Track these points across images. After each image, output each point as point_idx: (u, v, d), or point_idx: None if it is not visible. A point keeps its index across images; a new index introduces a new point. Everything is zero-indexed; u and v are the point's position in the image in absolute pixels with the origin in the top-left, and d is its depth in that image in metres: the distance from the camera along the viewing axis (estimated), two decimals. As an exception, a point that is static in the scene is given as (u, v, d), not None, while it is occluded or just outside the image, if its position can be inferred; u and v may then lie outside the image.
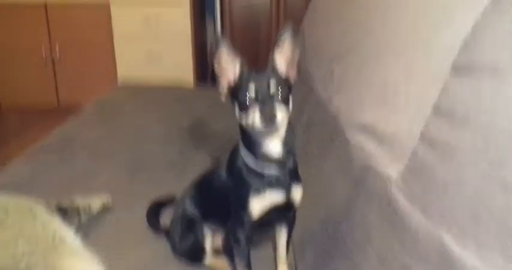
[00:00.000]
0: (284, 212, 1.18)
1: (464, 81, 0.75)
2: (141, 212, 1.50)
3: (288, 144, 1.08)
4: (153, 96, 2.87)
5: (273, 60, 1.06)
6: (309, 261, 1.20)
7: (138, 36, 4.27)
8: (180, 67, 4.27)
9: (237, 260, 1.19)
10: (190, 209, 1.31)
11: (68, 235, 1.21)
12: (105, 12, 4.20)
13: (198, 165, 1.71)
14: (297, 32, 1.05)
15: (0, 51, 4.34)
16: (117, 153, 2.03)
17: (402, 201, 0.82)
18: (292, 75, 1.07)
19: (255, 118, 0.98)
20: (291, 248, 1.30)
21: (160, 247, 1.38)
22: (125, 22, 4.24)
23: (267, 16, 4.35)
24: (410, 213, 0.79)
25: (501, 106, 0.67)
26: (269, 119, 0.96)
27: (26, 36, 4.31)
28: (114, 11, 4.21)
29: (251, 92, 1.00)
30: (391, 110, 0.98)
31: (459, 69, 0.78)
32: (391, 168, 0.90)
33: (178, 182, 1.58)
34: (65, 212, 1.40)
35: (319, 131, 1.47)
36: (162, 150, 2.06)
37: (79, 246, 1.20)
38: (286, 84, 1.03)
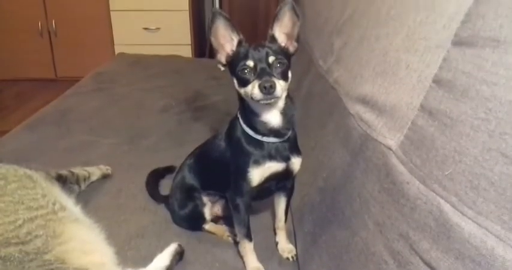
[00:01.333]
0: (283, 181, 1.19)
1: (466, 52, 0.75)
2: (141, 181, 1.52)
3: (287, 114, 1.09)
4: (151, 66, 2.85)
5: (272, 33, 1.06)
6: (307, 229, 1.22)
7: (135, 9, 4.22)
8: (178, 43, 4.24)
9: (236, 227, 1.20)
10: (189, 178, 1.32)
11: (68, 202, 1.22)
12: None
13: (196, 135, 1.72)
14: (296, 6, 1.05)
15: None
16: (115, 123, 2.03)
17: (401, 171, 0.83)
18: (292, 48, 1.07)
19: (254, 89, 0.98)
20: (289, 215, 1.32)
21: (160, 214, 1.40)
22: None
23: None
24: (409, 182, 0.79)
25: (502, 78, 0.67)
26: (268, 89, 0.96)
27: (21, 8, 4.27)
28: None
29: (250, 63, 1.01)
30: (391, 80, 0.97)
31: (461, 40, 0.78)
32: (390, 138, 0.90)
33: (176, 151, 1.60)
34: (64, 181, 1.41)
35: (318, 102, 1.48)
36: (160, 121, 2.07)
37: (79, 213, 1.21)
38: (285, 56, 1.03)
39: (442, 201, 0.71)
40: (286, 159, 1.12)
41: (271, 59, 1.01)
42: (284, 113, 1.08)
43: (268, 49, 1.02)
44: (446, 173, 0.72)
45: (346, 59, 1.32)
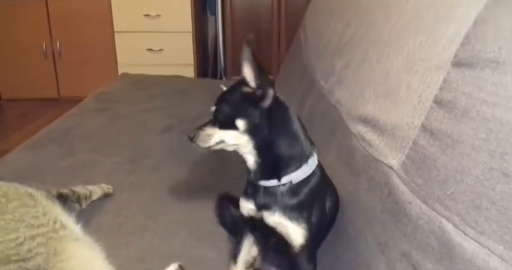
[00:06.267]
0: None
1: (466, 74, 0.76)
2: (142, 200, 1.51)
3: (262, 166, 0.99)
4: (154, 87, 2.87)
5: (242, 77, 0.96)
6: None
7: (139, 30, 4.28)
8: (181, 63, 4.28)
9: None
10: None
11: (69, 221, 1.22)
12: (106, 6, 4.21)
13: (198, 155, 1.71)
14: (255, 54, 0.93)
15: (1, 45, 4.34)
16: (117, 143, 2.03)
17: (403, 190, 0.83)
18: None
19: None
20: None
21: (162, 234, 1.39)
22: (125, 16, 4.26)
23: (269, 12, 4.37)
24: (411, 202, 0.80)
25: (502, 98, 0.68)
26: (191, 138, 1.00)
27: (26, 29, 4.33)
28: (115, 5, 4.22)
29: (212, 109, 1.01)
30: (392, 101, 0.98)
31: (461, 61, 0.79)
32: (392, 158, 0.90)
33: (178, 170, 1.59)
34: (65, 199, 1.40)
35: (321, 122, 1.48)
36: (162, 141, 2.06)
37: (80, 233, 1.21)
38: (242, 107, 0.96)
39: (444, 220, 0.71)
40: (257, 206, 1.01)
41: (216, 109, 1.01)
42: (257, 162, 0.99)
43: (220, 98, 1.02)
44: (448, 192, 0.72)
45: (347, 80, 1.33)
